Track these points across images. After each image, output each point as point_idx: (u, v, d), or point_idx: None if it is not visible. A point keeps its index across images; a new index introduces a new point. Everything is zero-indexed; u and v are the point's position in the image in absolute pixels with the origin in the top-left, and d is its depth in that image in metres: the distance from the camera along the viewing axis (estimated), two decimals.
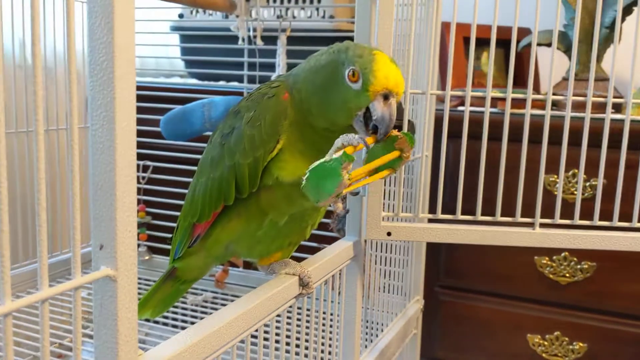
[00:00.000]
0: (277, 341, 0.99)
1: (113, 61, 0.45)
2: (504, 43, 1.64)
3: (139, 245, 1.62)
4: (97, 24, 0.45)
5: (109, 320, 0.49)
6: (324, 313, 0.89)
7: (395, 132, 0.71)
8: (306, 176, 0.63)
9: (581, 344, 1.46)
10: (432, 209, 0.97)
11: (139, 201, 1.62)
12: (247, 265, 1.54)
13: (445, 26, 1.64)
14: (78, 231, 0.45)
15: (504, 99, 0.92)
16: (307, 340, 0.86)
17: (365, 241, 0.99)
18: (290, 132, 0.71)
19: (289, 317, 0.83)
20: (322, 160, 0.64)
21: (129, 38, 0.46)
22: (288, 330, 0.79)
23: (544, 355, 1.50)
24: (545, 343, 1.50)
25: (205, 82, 1.73)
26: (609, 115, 0.88)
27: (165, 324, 1.47)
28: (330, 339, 0.95)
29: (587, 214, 0.93)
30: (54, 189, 1.53)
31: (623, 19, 1.54)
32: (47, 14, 1.46)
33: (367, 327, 1.18)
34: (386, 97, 0.68)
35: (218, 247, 0.79)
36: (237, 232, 0.77)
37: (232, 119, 0.76)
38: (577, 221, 0.91)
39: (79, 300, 0.47)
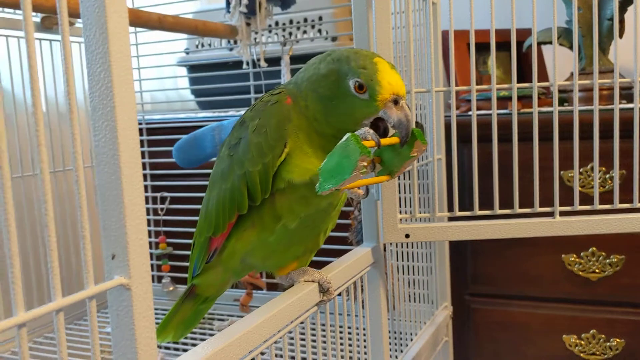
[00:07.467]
0: (303, 352, 0.97)
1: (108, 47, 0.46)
2: (508, 45, 1.64)
3: (162, 277, 1.62)
4: (92, 35, 0.46)
5: (126, 331, 0.48)
6: (349, 328, 0.88)
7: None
8: (324, 163, 0.65)
9: (618, 340, 1.42)
10: (450, 211, 0.96)
11: (159, 233, 1.63)
12: (271, 287, 1.53)
13: (448, 34, 1.64)
14: (88, 240, 0.46)
15: (512, 99, 0.92)
16: (334, 356, 0.85)
17: (385, 247, 0.98)
18: (297, 136, 0.72)
19: (313, 330, 0.81)
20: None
21: (124, 40, 0.47)
22: (313, 342, 0.77)
23: (582, 355, 1.46)
24: (582, 342, 1.46)
25: (216, 114, 1.75)
26: (617, 105, 0.88)
27: None
28: (358, 352, 0.93)
29: (607, 204, 0.91)
30: (73, 228, 1.54)
31: (625, 10, 1.53)
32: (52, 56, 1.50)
33: (395, 338, 1.16)
34: (396, 102, 0.69)
35: (234, 260, 0.79)
36: (251, 241, 0.76)
37: (237, 130, 0.76)
38: (597, 206, 0.89)
39: (94, 310, 0.47)
